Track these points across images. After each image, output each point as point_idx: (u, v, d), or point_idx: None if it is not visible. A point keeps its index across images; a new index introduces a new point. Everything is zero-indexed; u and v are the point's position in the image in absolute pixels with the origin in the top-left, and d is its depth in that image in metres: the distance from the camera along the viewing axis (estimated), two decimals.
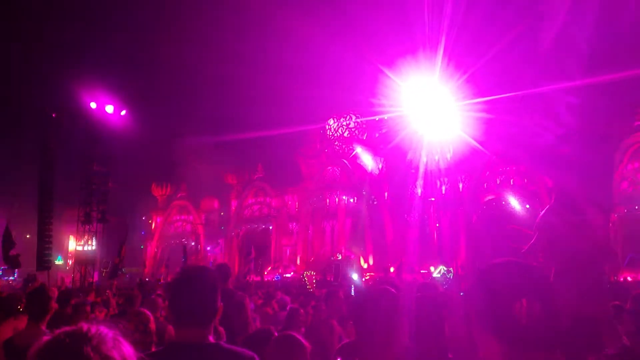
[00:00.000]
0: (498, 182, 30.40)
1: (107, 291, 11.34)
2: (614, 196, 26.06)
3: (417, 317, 2.55)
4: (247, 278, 27.73)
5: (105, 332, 1.15)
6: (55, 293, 4.46)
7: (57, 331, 1.15)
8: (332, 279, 23.55)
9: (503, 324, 1.36)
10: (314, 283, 21.65)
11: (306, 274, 26.77)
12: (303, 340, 2.87)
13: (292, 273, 33.14)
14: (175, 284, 2.24)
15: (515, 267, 1.44)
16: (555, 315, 1.37)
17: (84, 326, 1.15)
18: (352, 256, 33.08)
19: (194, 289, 2.15)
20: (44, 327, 4.11)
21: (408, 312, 2.36)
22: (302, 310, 5.50)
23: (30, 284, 15.94)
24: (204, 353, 2.08)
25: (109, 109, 23.95)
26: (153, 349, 3.36)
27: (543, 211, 4.49)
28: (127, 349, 1.17)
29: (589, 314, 3.56)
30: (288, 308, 8.16)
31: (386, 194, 34.18)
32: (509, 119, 26.29)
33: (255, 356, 2.14)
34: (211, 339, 2.13)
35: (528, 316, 1.32)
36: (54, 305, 4.56)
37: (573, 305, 3.50)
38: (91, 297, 9.92)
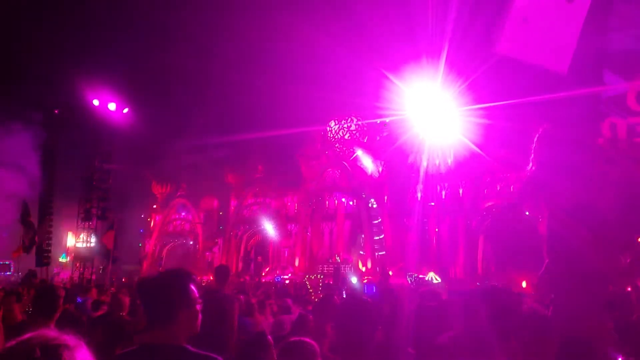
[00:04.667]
0: (498, 188, 30.43)
1: (112, 289, 11.33)
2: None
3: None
4: (242, 279, 27.73)
5: (58, 337, 1.19)
6: (63, 292, 4.49)
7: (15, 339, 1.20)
8: (331, 282, 23.54)
9: None
10: (319, 287, 21.48)
11: (308, 277, 26.71)
12: (315, 346, 2.88)
13: (289, 275, 33.12)
14: (138, 287, 2.46)
15: None
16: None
17: (39, 333, 1.19)
18: (351, 259, 33.11)
19: (152, 292, 2.29)
20: (52, 326, 4.14)
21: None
22: (311, 317, 5.48)
23: (31, 280, 15.95)
24: (167, 354, 2.18)
25: (112, 106, 23.97)
26: None
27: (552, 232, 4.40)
28: (83, 354, 1.20)
29: (587, 334, 3.57)
30: (296, 313, 8.15)
31: (386, 197, 34.21)
32: (511, 125, 26.32)
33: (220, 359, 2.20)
34: (182, 341, 2.22)
35: None
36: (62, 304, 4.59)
37: (571, 325, 3.51)
38: (93, 295, 9.94)
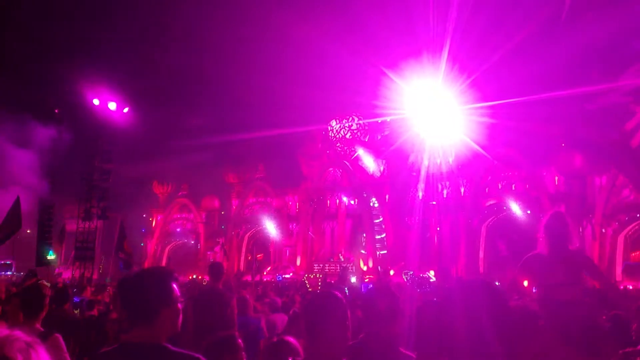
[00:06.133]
0: (500, 187, 30.34)
1: (109, 287, 11.30)
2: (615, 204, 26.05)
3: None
4: (244, 278, 27.71)
5: (13, 335, 1.13)
6: (49, 291, 4.42)
7: None
8: (333, 281, 23.44)
9: None
10: (318, 286, 21.47)
11: (307, 276, 26.66)
12: (296, 345, 2.82)
13: (291, 274, 33.08)
14: (119, 286, 2.43)
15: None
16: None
17: None
18: (352, 258, 33.06)
19: (133, 291, 2.25)
20: (38, 325, 4.08)
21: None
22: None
23: (28, 280, 15.93)
24: (147, 353, 2.14)
25: (112, 105, 23.94)
26: None
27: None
28: (41, 354, 1.15)
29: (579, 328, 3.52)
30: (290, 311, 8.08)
31: (387, 196, 34.12)
32: (512, 124, 26.22)
33: (202, 358, 2.16)
34: (162, 339, 2.18)
35: None
36: (48, 303, 4.53)
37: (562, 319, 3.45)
38: (87, 294, 9.92)
